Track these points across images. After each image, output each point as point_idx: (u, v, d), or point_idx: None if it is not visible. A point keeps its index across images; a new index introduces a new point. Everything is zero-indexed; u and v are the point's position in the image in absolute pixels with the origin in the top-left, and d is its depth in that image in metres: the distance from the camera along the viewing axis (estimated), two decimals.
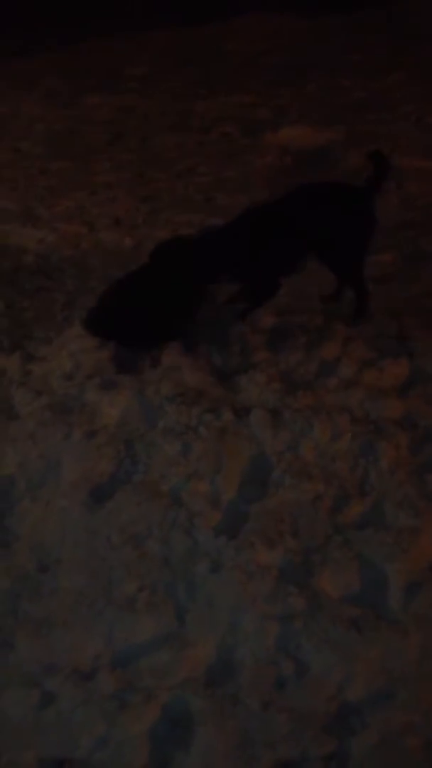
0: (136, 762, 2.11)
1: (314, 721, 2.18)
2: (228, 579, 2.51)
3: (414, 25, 12.15)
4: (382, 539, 2.64)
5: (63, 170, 7.08)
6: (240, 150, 7.47)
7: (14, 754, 2.12)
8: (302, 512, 2.73)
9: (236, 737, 2.15)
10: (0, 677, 2.30)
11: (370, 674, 2.28)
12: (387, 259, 5.10)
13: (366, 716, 2.20)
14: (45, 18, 13.43)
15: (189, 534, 2.65)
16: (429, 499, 2.78)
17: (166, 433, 3.02)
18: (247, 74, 10.38)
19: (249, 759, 2.11)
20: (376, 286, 4.47)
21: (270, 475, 2.89)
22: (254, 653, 2.34)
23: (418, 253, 5.24)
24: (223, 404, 3.17)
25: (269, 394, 3.25)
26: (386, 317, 4.01)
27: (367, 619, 2.40)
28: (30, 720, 2.19)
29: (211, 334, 3.64)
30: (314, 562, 2.56)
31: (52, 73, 10.97)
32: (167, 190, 6.45)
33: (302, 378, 3.46)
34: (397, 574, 2.53)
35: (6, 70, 11.21)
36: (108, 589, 2.52)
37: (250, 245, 3.58)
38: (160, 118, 8.71)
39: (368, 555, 2.58)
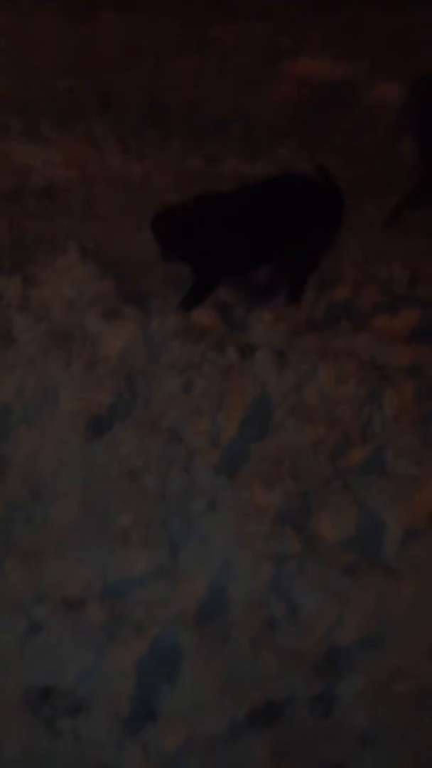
0: (121, 693, 2.11)
1: (303, 662, 2.18)
2: (224, 518, 2.49)
3: None
4: (382, 486, 2.61)
5: (74, 90, 6.84)
6: (258, 79, 7.21)
7: (0, 680, 2.12)
8: (302, 455, 2.69)
9: (224, 675, 2.14)
10: None
11: (362, 619, 2.27)
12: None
13: (355, 660, 2.20)
14: None
15: (187, 471, 2.62)
16: (431, 449, 2.74)
17: (169, 369, 2.97)
18: None
19: (236, 697, 2.11)
20: (389, 229, 4.37)
21: (272, 416, 2.85)
22: (246, 592, 2.33)
23: None
24: (228, 342, 3.10)
25: (276, 334, 3.18)
26: (399, 263, 3.91)
27: (361, 564, 2.38)
28: (17, 648, 2.18)
29: None
30: (312, 505, 2.54)
31: None
32: (179, 117, 6.24)
33: (311, 319, 3.38)
34: (395, 521, 2.51)
35: None
36: (102, 520, 2.49)
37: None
38: (176, 41, 8.39)
39: (367, 501, 2.56)
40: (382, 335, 3.27)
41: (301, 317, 3.40)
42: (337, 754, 2.01)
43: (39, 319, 3.22)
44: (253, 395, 2.87)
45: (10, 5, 8.70)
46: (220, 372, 2.94)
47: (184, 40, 8.34)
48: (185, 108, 6.45)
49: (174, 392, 2.88)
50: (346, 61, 7.50)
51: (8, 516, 2.51)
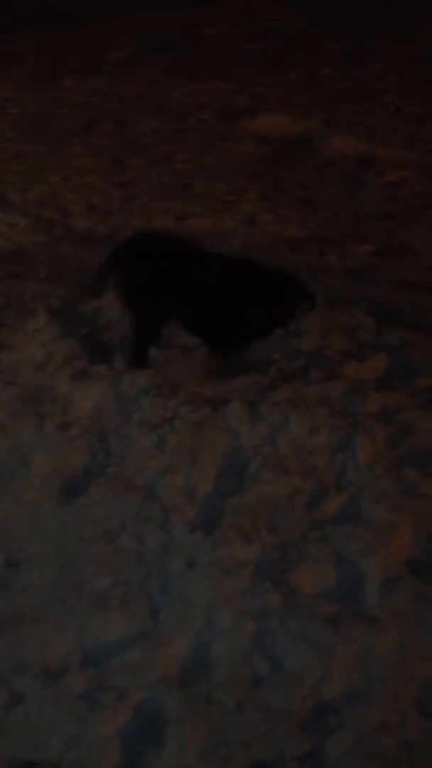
0: (107, 763, 2.06)
1: (290, 720, 2.14)
2: (203, 575, 2.46)
3: (397, 16, 12.13)
4: (359, 534, 2.60)
5: (37, 154, 6.96)
6: (218, 137, 7.40)
7: None
8: (279, 507, 2.69)
9: (210, 737, 2.10)
10: None
11: (347, 672, 2.25)
12: (366, 249, 5.08)
13: (342, 715, 2.17)
14: None
15: (164, 529, 2.59)
16: (406, 494, 2.75)
17: (142, 426, 2.96)
18: (226, 60, 10.29)
19: (223, 759, 2.06)
20: (354, 277, 4.45)
21: (247, 469, 2.85)
22: (229, 651, 2.30)
23: (398, 245, 5.21)
24: (199, 397, 3.11)
25: (246, 387, 3.20)
26: (365, 309, 3.98)
27: (343, 615, 2.36)
28: None
29: None
30: (291, 557, 2.52)
31: (28, 55, 10.79)
32: (143, 176, 6.36)
33: (280, 370, 3.41)
34: (374, 569, 2.50)
35: None
36: (80, 585, 2.46)
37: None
38: (138, 102, 8.60)
39: (345, 550, 2.55)
40: (352, 382, 3.30)
41: (272, 368, 3.43)
42: None
43: (9, 383, 3.21)
44: (226, 449, 2.87)
45: None
46: (193, 427, 2.94)
47: (145, 102, 8.56)
48: (148, 167, 6.59)
49: (147, 450, 2.88)
50: (302, 116, 7.73)
51: None
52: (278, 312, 3.45)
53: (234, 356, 3.52)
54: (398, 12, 12.45)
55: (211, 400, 3.10)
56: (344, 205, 5.94)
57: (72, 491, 2.74)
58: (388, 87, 8.93)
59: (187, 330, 3.48)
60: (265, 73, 9.56)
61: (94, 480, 2.79)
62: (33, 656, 2.30)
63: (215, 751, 2.08)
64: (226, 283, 3.36)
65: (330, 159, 6.88)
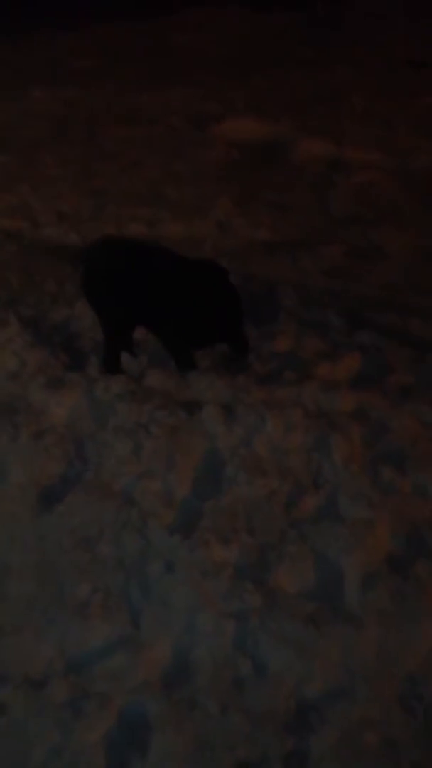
0: None
1: (273, 720, 2.14)
2: (183, 578, 2.46)
3: (360, 21, 12.25)
4: (337, 532, 2.61)
5: (6, 164, 6.93)
6: (187, 143, 7.42)
7: None
8: (257, 508, 2.69)
9: (194, 740, 2.10)
10: None
11: (328, 670, 2.25)
12: (336, 251, 5.11)
13: (325, 713, 2.17)
14: None
15: (142, 534, 2.59)
16: (383, 491, 2.77)
17: (117, 432, 2.96)
18: (193, 68, 10.33)
19: (208, 762, 2.06)
20: (326, 278, 4.47)
21: (223, 471, 2.85)
22: (211, 653, 2.29)
23: (369, 246, 5.26)
24: (174, 401, 3.11)
25: (221, 389, 3.21)
26: (338, 310, 4.01)
27: (323, 614, 2.37)
28: None
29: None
30: (270, 558, 2.53)
31: None
32: (114, 184, 6.35)
33: (254, 372, 3.42)
34: (352, 567, 2.51)
35: None
36: (59, 594, 2.44)
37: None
38: (106, 111, 8.60)
39: (323, 549, 2.56)
40: (326, 382, 3.32)
41: (246, 371, 3.44)
42: None
43: None
44: (202, 452, 2.87)
45: None
46: (169, 431, 2.94)
47: (114, 111, 8.56)
48: (118, 174, 6.59)
49: (124, 455, 2.87)
50: (272, 121, 7.78)
51: None
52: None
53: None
54: (362, 14, 12.58)
55: (186, 403, 3.10)
56: (315, 207, 5.98)
57: (49, 500, 2.72)
58: (355, 90, 9.01)
59: (157, 334, 3.47)
60: (233, 79, 9.61)
61: (71, 488, 2.77)
62: (15, 666, 2.28)
63: (200, 755, 2.07)
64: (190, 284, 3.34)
65: (300, 163, 6.93)
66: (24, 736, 2.11)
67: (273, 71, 9.93)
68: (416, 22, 11.93)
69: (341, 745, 2.08)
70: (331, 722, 2.15)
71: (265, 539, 2.58)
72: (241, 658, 2.27)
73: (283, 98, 8.81)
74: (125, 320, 3.39)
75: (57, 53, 11.38)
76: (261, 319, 3.83)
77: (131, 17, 12.84)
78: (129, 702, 2.17)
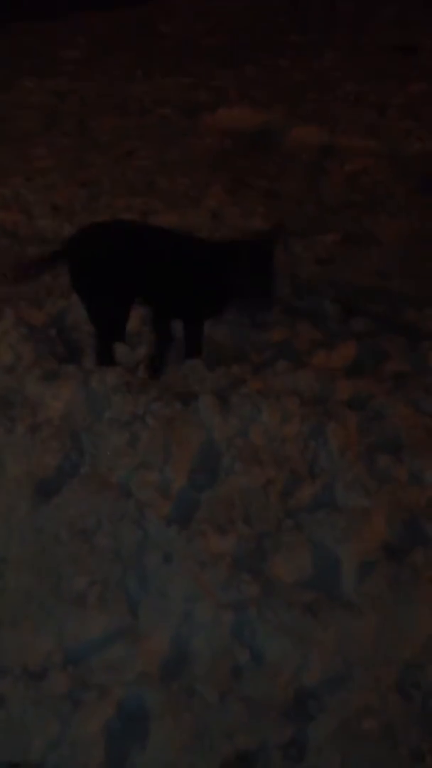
0: (91, 762, 2.06)
1: (272, 708, 2.16)
2: (180, 569, 2.46)
3: (349, 5, 12.19)
4: (333, 521, 2.62)
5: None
6: (179, 132, 7.37)
7: None
8: (253, 498, 2.70)
9: (193, 730, 2.11)
10: None
11: (326, 658, 2.26)
12: (330, 239, 5.10)
13: (323, 701, 2.19)
14: None
15: (139, 525, 2.59)
16: (379, 479, 2.78)
17: (113, 424, 2.95)
18: (184, 56, 10.26)
19: (207, 751, 2.07)
20: (320, 266, 4.47)
21: (220, 461, 2.85)
22: (209, 643, 2.30)
23: (362, 233, 5.25)
24: (170, 392, 3.11)
25: (216, 379, 3.20)
26: (332, 298, 4.00)
27: (321, 602, 2.38)
28: None
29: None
30: (267, 547, 2.54)
31: None
32: (107, 174, 6.32)
33: (250, 361, 3.42)
34: (349, 555, 2.51)
35: None
36: (57, 585, 2.45)
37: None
38: (97, 101, 8.54)
39: (320, 538, 2.56)
40: (321, 371, 3.32)
41: (241, 360, 3.44)
42: None
43: None
44: (199, 442, 2.87)
45: None
46: (165, 422, 2.94)
47: (105, 101, 8.50)
48: (111, 165, 6.55)
49: (120, 447, 2.87)
50: (263, 108, 7.74)
51: None
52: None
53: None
54: (351, 1, 12.51)
55: (181, 394, 3.09)
56: (308, 195, 5.96)
57: (46, 492, 2.72)
58: (346, 77, 8.97)
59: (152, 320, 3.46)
60: (223, 67, 9.55)
61: (67, 480, 2.77)
62: (13, 658, 2.29)
63: (199, 744, 2.09)
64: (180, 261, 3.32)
65: (292, 150, 6.90)
66: (23, 727, 2.12)
67: (263, 58, 9.87)
68: (403, 6, 11.86)
69: (340, 732, 2.09)
70: (330, 710, 2.16)
71: (261, 529, 2.59)
72: (239, 647, 2.28)
73: (274, 85, 8.76)
74: (116, 309, 3.37)
75: (44, 44, 11.27)
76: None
77: (116, 5, 12.67)
78: (128, 692, 2.18)
